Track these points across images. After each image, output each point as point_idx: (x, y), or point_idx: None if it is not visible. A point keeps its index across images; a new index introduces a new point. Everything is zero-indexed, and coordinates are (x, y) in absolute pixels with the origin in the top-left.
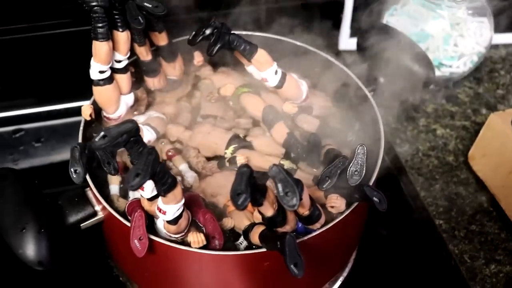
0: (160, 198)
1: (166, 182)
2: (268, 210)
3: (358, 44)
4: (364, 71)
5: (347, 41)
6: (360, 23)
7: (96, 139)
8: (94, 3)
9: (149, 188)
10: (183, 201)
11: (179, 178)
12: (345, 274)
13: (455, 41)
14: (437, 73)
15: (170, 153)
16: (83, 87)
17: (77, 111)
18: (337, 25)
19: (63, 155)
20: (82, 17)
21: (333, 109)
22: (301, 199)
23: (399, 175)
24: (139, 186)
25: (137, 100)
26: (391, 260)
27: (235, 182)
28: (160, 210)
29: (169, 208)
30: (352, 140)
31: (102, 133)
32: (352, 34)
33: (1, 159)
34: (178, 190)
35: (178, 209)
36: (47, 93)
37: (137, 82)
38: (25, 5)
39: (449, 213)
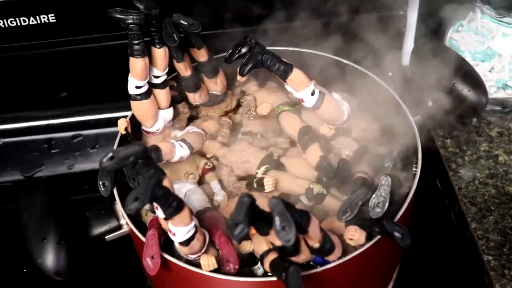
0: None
1: (170, 205)
2: (276, 239)
3: (411, 62)
4: (415, 92)
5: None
6: (419, 40)
7: (104, 160)
8: (129, 21)
9: None
10: (193, 223)
11: (207, 198)
12: None
13: None
14: (502, 95)
15: (206, 167)
16: None
17: None
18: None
19: None
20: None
21: (375, 132)
22: (307, 232)
23: (450, 203)
24: (137, 210)
25: (178, 114)
26: None
27: (234, 212)
28: (170, 231)
29: (178, 230)
30: (389, 166)
31: (110, 154)
32: None
33: (58, 163)
34: (185, 213)
35: (188, 231)
36: (106, 102)
37: (180, 96)
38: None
39: (500, 249)
